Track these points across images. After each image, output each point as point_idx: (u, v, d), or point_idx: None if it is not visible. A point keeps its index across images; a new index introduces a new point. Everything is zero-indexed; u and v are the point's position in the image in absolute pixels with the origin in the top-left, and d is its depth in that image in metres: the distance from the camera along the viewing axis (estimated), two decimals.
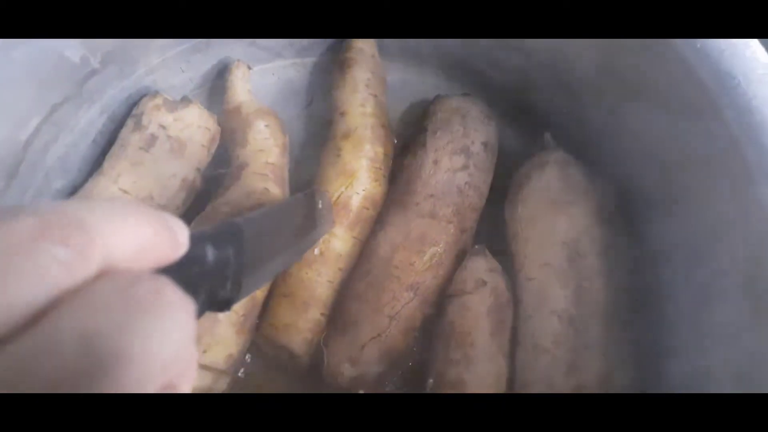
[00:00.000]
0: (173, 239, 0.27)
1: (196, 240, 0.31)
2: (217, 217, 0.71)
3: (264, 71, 0.88)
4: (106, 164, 0.74)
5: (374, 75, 0.80)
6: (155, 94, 0.77)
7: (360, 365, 0.70)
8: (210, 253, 0.33)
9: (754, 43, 0.49)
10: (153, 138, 0.75)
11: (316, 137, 0.85)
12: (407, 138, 0.81)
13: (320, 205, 0.69)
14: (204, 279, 0.34)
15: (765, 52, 0.49)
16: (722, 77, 0.50)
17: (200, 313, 0.35)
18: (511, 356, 0.68)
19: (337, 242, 0.75)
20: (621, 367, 0.64)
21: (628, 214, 0.70)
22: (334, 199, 0.75)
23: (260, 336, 0.74)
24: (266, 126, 0.80)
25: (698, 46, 0.51)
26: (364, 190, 0.76)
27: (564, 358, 0.63)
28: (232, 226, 0.42)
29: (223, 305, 0.37)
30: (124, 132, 0.76)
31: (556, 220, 0.68)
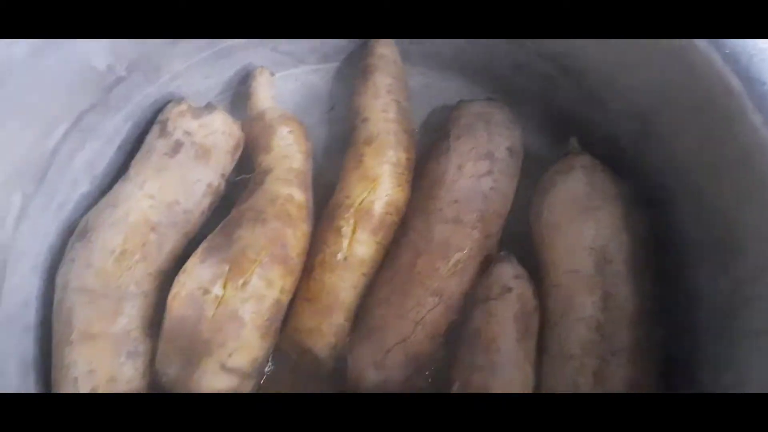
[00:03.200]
0: None
1: None
2: (242, 223, 0.72)
3: (287, 77, 0.89)
4: (132, 170, 0.75)
5: (396, 80, 0.80)
6: (180, 100, 0.78)
7: (385, 370, 0.70)
8: None
9: None
10: (178, 144, 0.75)
11: (339, 142, 0.86)
12: (430, 143, 0.81)
13: None
14: None
15: None
16: (751, 83, 0.49)
17: None
18: (537, 363, 0.68)
19: (361, 247, 0.75)
20: (648, 375, 0.63)
21: (654, 220, 0.70)
22: (356, 204, 0.76)
23: (284, 340, 0.74)
24: (290, 132, 0.80)
25: (727, 51, 0.50)
26: (387, 196, 0.76)
27: (591, 365, 0.63)
28: None
29: None
30: (150, 138, 0.77)
31: (582, 225, 0.68)
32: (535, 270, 0.72)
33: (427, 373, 0.73)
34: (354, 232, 0.75)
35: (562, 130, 0.79)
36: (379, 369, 0.70)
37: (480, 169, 0.73)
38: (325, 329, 0.73)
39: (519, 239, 0.76)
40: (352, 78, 0.85)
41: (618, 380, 0.62)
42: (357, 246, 0.75)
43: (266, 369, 0.75)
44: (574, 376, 0.63)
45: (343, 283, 0.74)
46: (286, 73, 0.89)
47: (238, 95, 0.87)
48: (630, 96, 0.68)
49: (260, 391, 0.74)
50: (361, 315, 0.74)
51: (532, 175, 0.77)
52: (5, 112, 0.61)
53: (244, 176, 0.81)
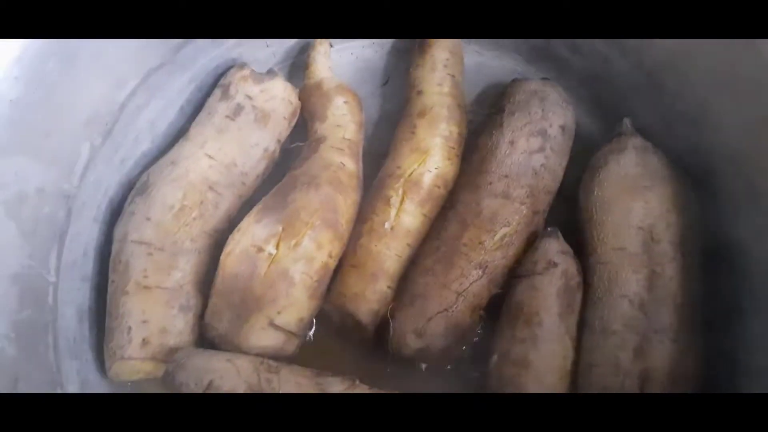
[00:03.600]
0: None
1: None
2: (296, 186, 0.74)
3: (343, 50, 0.91)
4: (192, 130, 0.78)
5: (453, 55, 0.82)
6: (242, 65, 0.80)
7: (426, 337, 0.72)
8: None
9: None
10: (239, 107, 0.78)
11: (390, 116, 0.87)
12: (481, 120, 0.82)
13: None
14: None
15: None
16: None
17: None
18: (578, 339, 0.69)
19: (407, 218, 0.77)
20: (690, 355, 0.64)
21: (704, 204, 0.70)
22: (406, 175, 0.77)
23: (328, 303, 0.76)
24: (345, 102, 0.82)
25: None
26: (436, 168, 0.77)
27: (633, 342, 0.64)
28: None
29: None
30: (212, 100, 0.80)
31: (632, 204, 0.69)
32: (578, 248, 0.73)
33: (466, 344, 0.75)
34: (402, 202, 0.77)
35: (613, 113, 0.79)
36: (420, 336, 0.72)
37: (532, 146, 0.74)
38: (369, 295, 0.75)
39: (563, 218, 0.77)
40: (408, 52, 0.86)
41: (659, 358, 0.63)
42: (404, 216, 0.77)
43: (309, 332, 0.78)
44: (615, 352, 0.64)
45: (389, 252, 0.76)
46: (342, 46, 0.91)
47: (296, 65, 0.90)
48: (690, 81, 0.69)
49: (303, 354, 0.76)
50: (405, 283, 0.76)
51: (580, 156, 0.78)
52: (84, 63, 0.64)
53: (298, 144, 0.83)
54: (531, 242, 0.74)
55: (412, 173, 0.77)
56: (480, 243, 0.73)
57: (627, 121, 0.76)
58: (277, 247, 0.70)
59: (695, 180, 0.71)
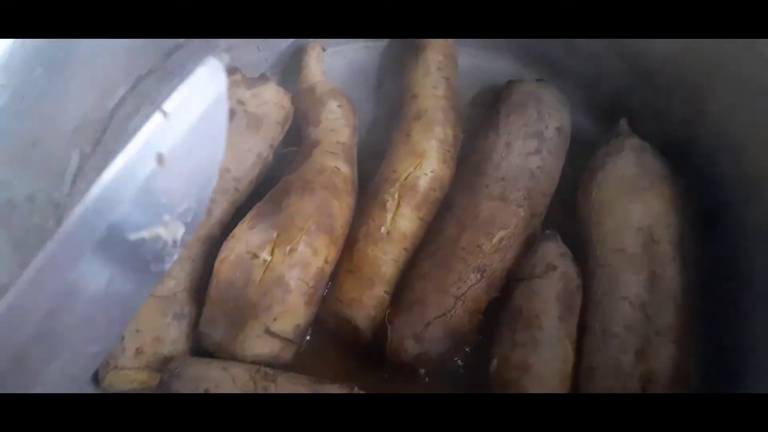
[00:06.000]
0: None
1: None
2: (290, 192, 0.73)
3: (335, 53, 0.90)
4: None
5: (447, 58, 0.81)
6: (234, 70, 0.79)
7: (424, 343, 0.71)
8: None
9: None
10: (231, 112, 0.77)
11: (384, 120, 0.86)
12: (476, 122, 0.82)
13: None
14: None
15: None
16: None
17: None
18: (579, 342, 0.68)
19: (404, 222, 0.76)
20: (692, 356, 0.63)
21: (704, 204, 0.69)
22: (402, 179, 0.76)
23: (324, 309, 0.75)
24: (339, 106, 0.81)
25: None
26: (432, 172, 0.77)
27: (634, 344, 0.63)
28: None
29: None
30: None
31: (631, 205, 0.68)
32: (576, 251, 0.72)
33: (465, 349, 0.74)
34: (398, 206, 0.76)
35: (609, 114, 0.79)
36: (418, 342, 0.71)
37: (528, 148, 0.74)
38: (366, 300, 0.74)
39: (560, 220, 0.76)
40: (401, 55, 0.86)
41: (660, 360, 0.62)
42: (400, 220, 0.76)
43: (306, 339, 0.76)
44: (617, 354, 0.63)
45: (385, 257, 0.75)
46: (335, 50, 0.90)
47: (288, 70, 0.89)
48: (685, 76, 0.68)
49: (300, 361, 0.74)
50: (402, 288, 0.75)
51: (578, 158, 0.78)
52: (72, 70, 0.63)
53: (291, 149, 0.82)
54: (529, 245, 0.73)
55: (407, 177, 0.77)
56: (478, 246, 0.72)
57: (623, 122, 0.75)
58: (272, 253, 0.69)
59: (693, 180, 0.71)
